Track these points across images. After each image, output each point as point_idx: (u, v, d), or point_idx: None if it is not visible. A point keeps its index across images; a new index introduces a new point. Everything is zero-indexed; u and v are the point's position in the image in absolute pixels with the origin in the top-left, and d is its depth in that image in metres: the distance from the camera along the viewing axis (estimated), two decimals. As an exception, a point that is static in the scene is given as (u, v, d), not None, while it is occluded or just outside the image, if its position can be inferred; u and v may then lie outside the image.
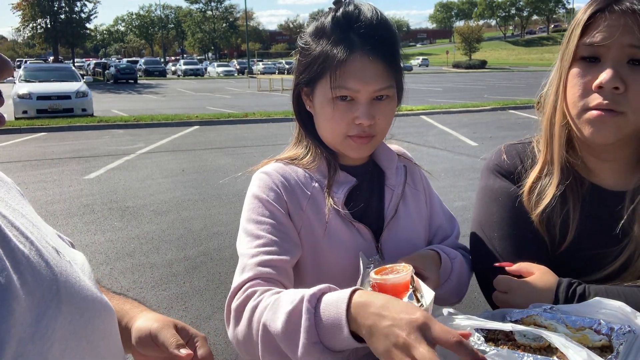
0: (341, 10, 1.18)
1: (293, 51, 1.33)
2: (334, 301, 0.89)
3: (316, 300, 0.91)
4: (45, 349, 0.67)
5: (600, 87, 1.09)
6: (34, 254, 0.73)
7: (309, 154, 1.26)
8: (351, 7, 1.18)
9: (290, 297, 0.95)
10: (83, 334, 0.75)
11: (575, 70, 1.14)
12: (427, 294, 0.99)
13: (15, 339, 0.63)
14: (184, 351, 0.86)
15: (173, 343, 0.88)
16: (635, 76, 1.08)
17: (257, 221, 1.17)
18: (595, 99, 1.10)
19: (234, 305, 1.06)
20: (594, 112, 1.11)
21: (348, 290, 0.89)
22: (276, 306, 0.96)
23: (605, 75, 1.08)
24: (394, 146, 1.40)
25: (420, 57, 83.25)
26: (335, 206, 1.19)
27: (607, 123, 1.10)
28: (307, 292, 0.92)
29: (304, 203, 1.20)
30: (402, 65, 1.24)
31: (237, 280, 1.10)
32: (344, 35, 1.16)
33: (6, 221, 0.74)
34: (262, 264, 1.10)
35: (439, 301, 1.36)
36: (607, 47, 1.09)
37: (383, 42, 1.16)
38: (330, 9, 1.23)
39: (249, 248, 1.13)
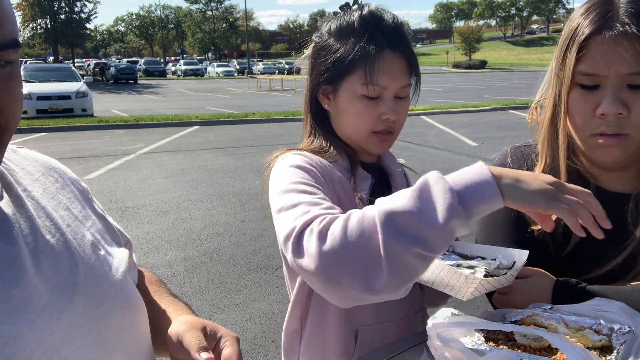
0: (366, 9, 1.22)
1: (301, 50, 1.35)
2: (464, 169, 0.86)
3: (436, 174, 0.84)
4: (44, 336, 0.70)
5: (603, 114, 1.09)
6: (60, 244, 0.79)
7: (331, 150, 1.25)
8: (373, 7, 1.22)
9: (401, 192, 0.85)
10: (93, 326, 0.78)
11: (575, 97, 1.13)
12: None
13: (8, 322, 0.67)
14: (204, 355, 0.81)
15: (195, 346, 0.83)
16: (636, 98, 1.07)
17: (306, 182, 1.07)
18: (600, 125, 1.10)
19: (316, 229, 0.88)
20: (600, 138, 1.11)
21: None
22: (389, 197, 0.86)
23: (607, 104, 1.07)
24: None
25: None
26: (361, 201, 1.20)
27: (615, 147, 1.11)
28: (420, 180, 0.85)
29: (336, 187, 1.18)
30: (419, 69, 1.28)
31: (303, 217, 0.93)
32: (372, 33, 1.19)
33: (42, 212, 0.81)
34: (328, 208, 0.97)
35: (431, 302, 1.36)
36: (603, 76, 1.08)
37: (404, 40, 1.21)
38: (342, 10, 1.26)
39: (309, 198, 1.00)
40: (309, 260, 0.87)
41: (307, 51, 1.30)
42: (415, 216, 0.81)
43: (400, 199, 0.84)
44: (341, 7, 1.27)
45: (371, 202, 1.18)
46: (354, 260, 0.83)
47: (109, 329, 0.80)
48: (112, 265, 0.87)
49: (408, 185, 1.35)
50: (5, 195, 0.78)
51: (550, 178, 0.87)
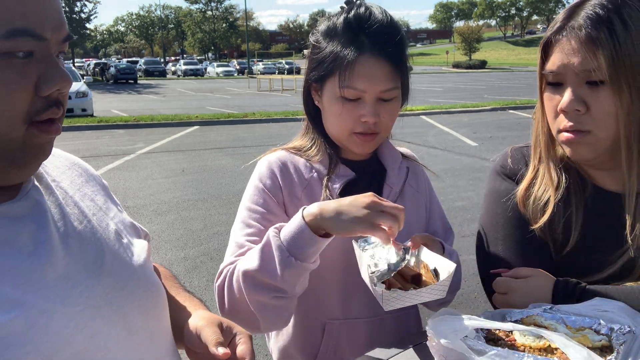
0: (353, 11, 1.21)
1: (301, 50, 1.36)
2: (291, 220, 1.08)
3: (277, 229, 1.09)
4: (75, 312, 0.77)
5: (564, 111, 1.12)
6: (87, 230, 0.87)
7: (314, 147, 1.31)
8: (362, 9, 1.21)
9: (253, 250, 1.11)
10: (119, 306, 0.85)
11: (546, 94, 1.19)
12: (443, 266, 1.06)
13: (44, 297, 0.74)
14: (221, 350, 0.86)
15: (213, 340, 0.89)
16: (595, 95, 1.10)
17: (251, 209, 1.25)
18: (562, 121, 1.14)
19: (217, 284, 1.18)
20: (565, 135, 1.14)
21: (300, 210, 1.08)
22: (247, 255, 1.13)
23: (565, 100, 1.11)
24: (403, 149, 1.44)
25: None
26: (329, 197, 1.23)
27: (579, 143, 1.13)
28: (269, 230, 1.10)
29: (299, 191, 1.26)
30: (409, 65, 1.28)
31: (224, 261, 1.21)
32: (354, 37, 1.19)
33: (71, 201, 0.89)
34: (244, 254, 1.17)
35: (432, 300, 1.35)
36: (562, 74, 1.12)
37: (391, 44, 1.20)
38: (342, 8, 1.27)
39: (239, 235, 1.23)
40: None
41: (308, 49, 1.33)
42: (260, 272, 1.07)
43: (251, 259, 1.09)
44: (346, 3, 1.28)
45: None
46: (239, 312, 1.13)
47: (133, 310, 0.87)
48: (134, 253, 0.94)
49: (405, 183, 1.34)
50: (36, 183, 0.85)
51: (367, 199, 1.03)
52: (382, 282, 1.00)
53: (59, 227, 0.82)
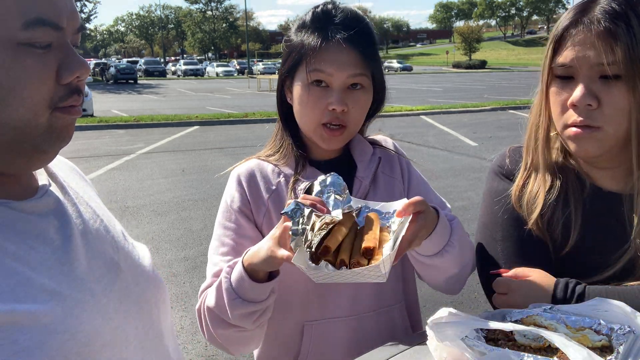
0: (321, 7, 1.27)
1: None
2: (237, 263, 1.12)
3: (231, 267, 1.14)
4: (102, 304, 0.80)
5: (574, 106, 1.11)
6: (102, 229, 0.90)
7: (281, 151, 1.33)
8: (330, 6, 1.26)
9: (215, 286, 1.16)
10: (136, 299, 0.89)
11: (553, 89, 1.17)
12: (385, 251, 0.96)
13: (77, 289, 0.77)
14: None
15: None
16: (608, 91, 1.09)
17: (224, 226, 1.29)
18: (572, 116, 1.13)
19: (196, 307, 1.23)
20: (572, 130, 1.13)
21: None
22: (210, 289, 1.18)
23: (577, 94, 1.10)
24: (379, 136, 1.44)
25: (395, 61, 67.23)
26: (295, 199, 1.21)
27: (587, 139, 1.12)
28: (226, 268, 1.15)
29: (266, 197, 1.28)
30: (380, 60, 1.30)
31: (204, 282, 1.25)
32: (321, 26, 1.23)
33: (83, 200, 0.92)
34: (218, 274, 1.21)
35: (440, 274, 1.25)
36: (576, 67, 1.11)
37: (358, 32, 1.23)
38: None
39: (214, 254, 1.28)
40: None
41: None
42: (217, 310, 1.14)
43: (211, 295, 1.16)
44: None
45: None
46: (214, 338, 1.20)
47: (146, 305, 0.91)
48: (139, 253, 0.98)
49: (376, 172, 1.33)
50: (52, 182, 0.88)
51: (277, 231, 1.04)
52: (320, 254, 0.94)
53: (78, 224, 0.85)
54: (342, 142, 1.28)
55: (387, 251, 0.95)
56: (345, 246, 0.98)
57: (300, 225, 0.95)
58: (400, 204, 1.05)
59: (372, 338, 1.25)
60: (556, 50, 1.15)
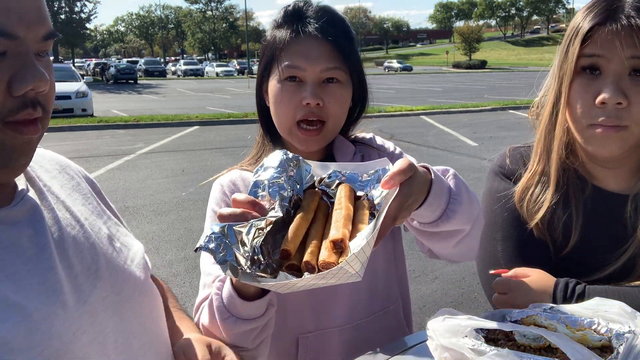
0: (291, 4, 1.24)
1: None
2: (226, 278, 1.02)
3: (222, 282, 1.04)
4: (75, 317, 0.76)
5: (603, 103, 1.09)
6: (80, 235, 0.85)
7: (262, 156, 1.28)
8: (302, 3, 1.24)
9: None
10: (115, 311, 0.84)
11: (577, 85, 1.14)
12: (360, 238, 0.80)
13: (46, 302, 0.73)
14: None
15: (200, 357, 0.91)
16: (638, 89, 1.07)
17: None
18: (599, 115, 1.10)
19: (195, 319, 1.16)
20: (599, 130, 1.10)
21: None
22: (203, 306, 1.10)
23: (607, 92, 1.07)
24: (363, 134, 1.38)
25: (394, 61, 66.11)
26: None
27: (612, 139, 1.10)
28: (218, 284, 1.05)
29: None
30: (359, 57, 1.26)
31: (199, 296, 1.19)
32: (292, 21, 1.20)
33: (62, 206, 0.87)
34: (209, 285, 1.15)
35: (451, 239, 1.08)
36: (608, 59, 1.09)
37: (331, 26, 1.19)
38: None
39: (207, 265, 1.22)
40: None
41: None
42: (213, 329, 1.04)
43: (204, 313, 1.07)
44: None
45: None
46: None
47: (129, 314, 0.87)
48: (128, 257, 0.93)
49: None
50: (30, 188, 0.84)
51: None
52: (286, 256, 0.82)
53: (54, 232, 0.81)
54: (320, 142, 1.21)
55: (361, 239, 0.78)
56: (310, 243, 0.82)
57: (222, 254, 0.81)
58: (383, 163, 0.92)
59: (369, 344, 1.22)
60: (583, 43, 1.12)
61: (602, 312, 0.98)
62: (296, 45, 1.18)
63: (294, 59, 1.17)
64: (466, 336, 0.90)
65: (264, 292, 1.00)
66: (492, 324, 0.91)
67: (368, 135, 1.38)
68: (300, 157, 0.96)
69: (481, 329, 0.95)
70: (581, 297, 1.08)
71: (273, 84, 1.21)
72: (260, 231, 0.83)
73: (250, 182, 1.02)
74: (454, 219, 0.99)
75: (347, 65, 1.20)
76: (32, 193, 0.83)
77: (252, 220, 0.84)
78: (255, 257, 0.82)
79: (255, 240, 0.82)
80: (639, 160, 1.20)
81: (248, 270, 0.81)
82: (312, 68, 1.16)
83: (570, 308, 1.01)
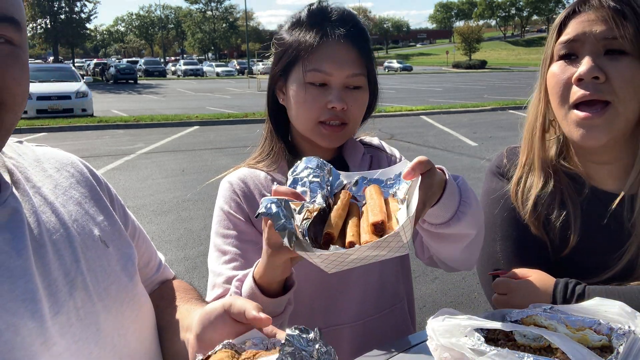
0: (315, 5, 1.24)
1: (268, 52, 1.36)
2: (247, 277, 1.01)
3: (240, 281, 1.03)
4: (44, 327, 0.72)
5: (580, 80, 1.09)
6: (62, 240, 0.81)
7: (271, 156, 1.29)
8: (324, 3, 1.24)
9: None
10: (92, 321, 0.80)
11: (553, 70, 1.15)
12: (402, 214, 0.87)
13: (12, 310, 0.70)
14: (263, 315, 0.79)
15: (251, 307, 0.79)
16: (615, 64, 1.07)
17: (223, 235, 1.23)
18: (577, 92, 1.10)
19: None
20: (580, 114, 1.10)
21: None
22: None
23: (583, 67, 1.08)
24: (369, 138, 1.42)
25: (394, 61, 66.15)
26: None
27: (596, 124, 1.10)
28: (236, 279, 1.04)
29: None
30: (375, 60, 1.28)
31: (208, 297, 1.15)
32: (317, 23, 1.20)
33: (48, 209, 0.83)
34: (227, 281, 1.14)
35: (458, 243, 1.13)
36: (581, 42, 1.10)
37: (355, 31, 1.21)
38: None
39: (217, 265, 1.20)
40: None
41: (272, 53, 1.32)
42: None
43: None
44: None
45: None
46: None
47: (108, 325, 0.82)
48: (119, 262, 0.89)
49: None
50: (14, 190, 0.81)
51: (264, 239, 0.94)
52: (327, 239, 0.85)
53: (34, 237, 0.78)
54: (341, 139, 1.26)
55: (403, 218, 0.83)
56: (350, 230, 0.86)
57: (282, 220, 0.83)
58: (402, 166, 0.95)
59: (377, 340, 1.23)
60: (560, 33, 1.15)
61: (602, 312, 0.98)
62: (324, 49, 1.18)
63: (321, 63, 1.18)
64: (466, 336, 0.90)
65: (284, 290, 1.00)
66: (492, 324, 0.91)
67: (375, 141, 1.42)
68: (331, 166, 1.00)
69: (481, 329, 0.94)
70: (581, 298, 1.08)
71: (295, 86, 1.22)
72: (309, 214, 0.86)
73: (261, 180, 1.15)
74: (464, 220, 1.03)
75: (368, 71, 1.23)
76: (15, 196, 0.80)
77: (303, 202, 0.88)
78: (304, 232, 0.84)
79: (305, 222, 0.85)
80: (633, 155, 1.20)
81: (303, 238, 0.83)
82: (339, 73, 1.18)
83: (570, 308, 1.01)
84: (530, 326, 0.95)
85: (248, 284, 1.00)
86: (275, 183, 1.23)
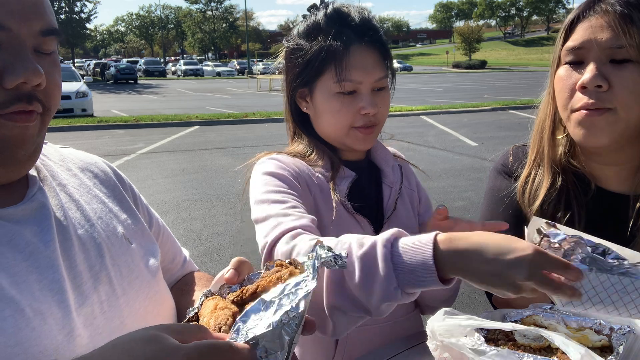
0: (331, 7, 1.22)
1: (273, 53, 1.35)
2: (416, 242, 0.81)
3: (389, 241, 0.83)
4: (69, 318, 0.74)
5: (584, 88, 1.10)
6: (87, 236, 0.85)
7: (314, 152, 1.27)
8: (336, 5, 1.22)
9: (357, 240, 0.85)
10: (115, 315, 0.82)
11: (560, 74, 1.16)
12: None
13: (40, 299, 0.72)
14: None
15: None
16: (619, 73, 1.08)
17: (277, 191, 1.12)
18: (581, 99, 1.11)
19: (283, 249, 0.96)
20: (582, 112, 1.11)
21: (431, 235, 0.81)
22: (343, 248, 0.86)
23: (587, 75, 1.09)
24: (390, 148, 1.43)
25: (395, 61, 68.37)
26: (339, 199, 1.20)
27: (597, 123, 1.10)
28: (379, 237, 0.83)
29: (313, 189, 1.21)
30: (392, 59, 1.29)
31: (273, 233, 1.00)
32: (340, 30, 1.19)
33: (74, 205, 0.87)
34: (298, 219, 1.03)
35: (427, 307, 1.31)
36: (586, 49, 1.10)
37: (375, 34, 1.21)
38: (311, 10, 1.26)
39: (279, 209, 1.05)
40: None
41: (280, 56, 1.31)
42: (353, 287, 0.82)
43: (349, 264, 0.82)
44: (309, 9, 1.28)
45: (351, 200, 1.21)
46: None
47: (131, 319, 0.85)
48: (143, 259, 0.92)
49: (402, 180, 1.33)
50: (42, 186, 0.84)
51: (530, 250, 0.74)
52: None
53: (60, 231, 0.81)
54: (373, 140, 1.28)
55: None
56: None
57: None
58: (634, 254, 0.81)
59: (400, 341, 1.22)
60: (567, 37, 1.15)
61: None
62: (352, 58, 1.17)
63: (351, 72, 1.17)
64: (466, 336, 0.91)
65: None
66: (492, 324, 0.91)
67: (396, 151, 1.44)
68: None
69: (481, 329, 0.95)
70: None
71: (324, 96, 1.21)
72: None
73: (304, 166, 1.20)
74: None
75: (389, 70, 1.25)
76: (43, 191, 0.84)
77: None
78: None
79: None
80: (639, 157, 1.20)
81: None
82: (368, 79, 1.19)
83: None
84: (530, 326, 0.95)
85: (423, 252, 0.80)
86: (318, 174, 1.22)
